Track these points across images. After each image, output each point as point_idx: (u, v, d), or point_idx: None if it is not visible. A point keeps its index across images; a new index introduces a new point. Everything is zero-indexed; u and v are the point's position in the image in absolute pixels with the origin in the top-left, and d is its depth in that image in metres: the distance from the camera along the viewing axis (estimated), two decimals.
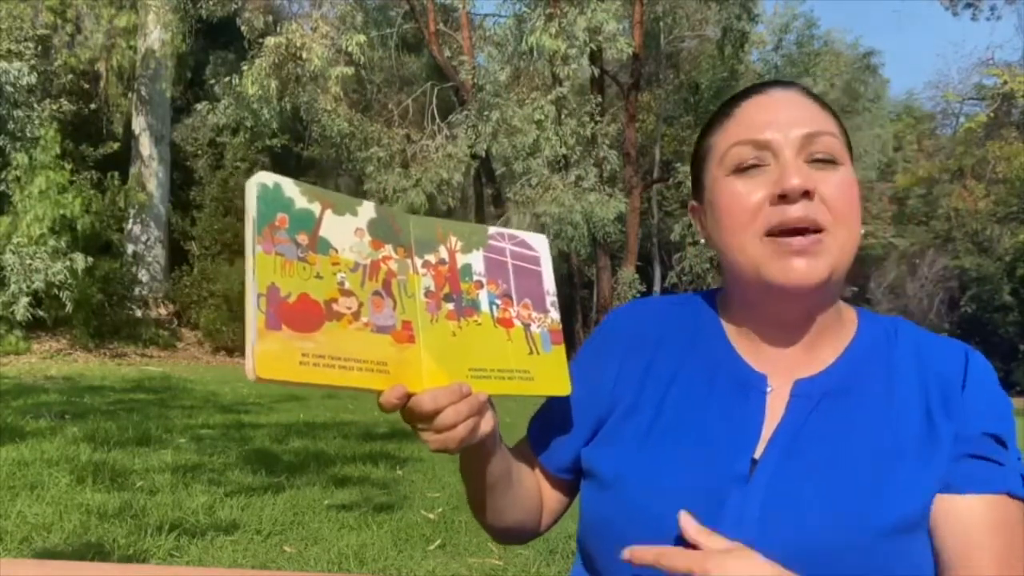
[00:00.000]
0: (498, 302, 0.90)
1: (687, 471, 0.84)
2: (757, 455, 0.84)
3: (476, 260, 0.91)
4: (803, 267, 0.81)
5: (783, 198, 0.82)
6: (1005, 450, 0.83)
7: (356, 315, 0.78)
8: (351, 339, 0.77)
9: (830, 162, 0.84)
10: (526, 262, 0.95)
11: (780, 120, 0.85)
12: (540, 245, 0.97)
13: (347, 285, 0.79)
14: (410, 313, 0.83)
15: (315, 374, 0.74)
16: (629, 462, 0.88)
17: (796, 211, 0.81)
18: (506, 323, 0.90)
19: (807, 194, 0.81)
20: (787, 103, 0.87)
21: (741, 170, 0.86)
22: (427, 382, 0.81)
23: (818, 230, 0.82)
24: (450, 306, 0.86)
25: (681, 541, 0.80)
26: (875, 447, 0.82)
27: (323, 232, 0.79)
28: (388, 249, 0.84)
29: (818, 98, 0.90)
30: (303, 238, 0.77)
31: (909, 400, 0.85)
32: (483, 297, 0.89)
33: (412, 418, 0.81)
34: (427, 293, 0.85)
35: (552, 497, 1.01)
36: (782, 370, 0.88)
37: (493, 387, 0.85)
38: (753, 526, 0.80)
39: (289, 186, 0.79)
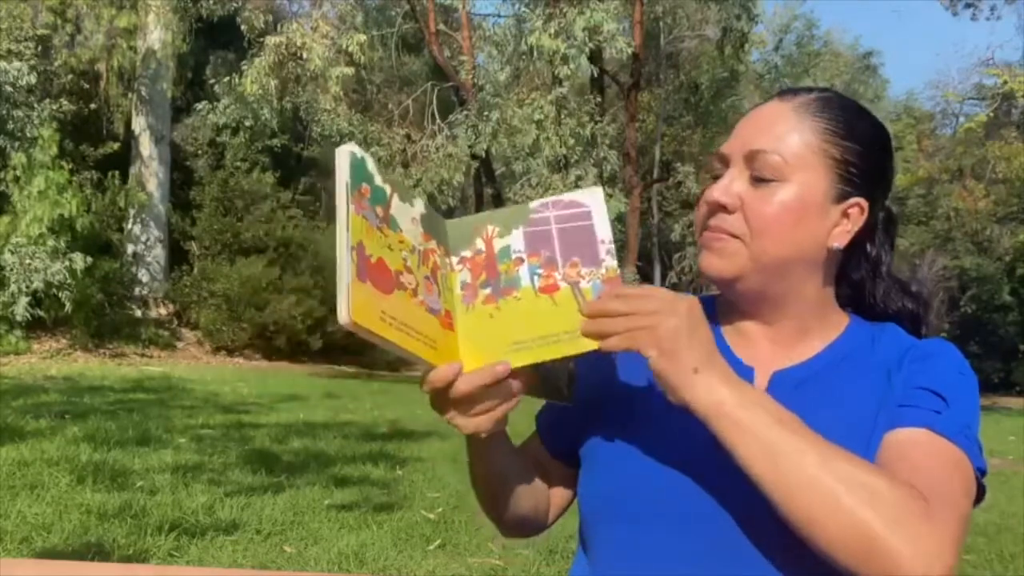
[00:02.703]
0: (540, 271, 0.89)
1: (667, 446, 0.89)
2: None
3: (516, 239, 0.91)
4: (707, 260, 0.92)
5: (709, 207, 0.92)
6: (944, 403, 0.84)
7: (415, 292, 0.83)
8: (413, 311, 0.82)
9: (767, 181, 0.89)
10: (575, 221, 0.93)
11: (743, 134, 0.92)
12: (592, 199, 0.94)
13: (408, 263, 0.84)
14: (449, 305, 0.87)
15: (391, 331, 0.78)
16: (616, 442, 0.94)
17: (712, 221, 0.91)
18: (550, 289, 0.89)
19: (724, 208, 0.90)
20: (767, 117, 0.92)
21: (713, 177, 0.94)
22: (465, 366, 0.83)
23: (729, 233, 0.90)
24: (487, 291, 0.88)
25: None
26: (842, 428, 0.84)
27: (392, 211, 0.85)
28: (433, 243, 0.89)
29: (824, 110, 0.91)
30: (380, 211, 0.83)
31: (878, 387, 0.89)
32: (523, 272, 0.89)
33: (444, 403, 0.83)
34: (463, 286, 0.89)
35: (558, 490, 1.06)
36: (766, 365, 0.93)
37: (536, 355, 0.85)
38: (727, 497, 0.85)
39: (371, 162, 0.85)
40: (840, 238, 0.91)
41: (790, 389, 0.90)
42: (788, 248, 0.89)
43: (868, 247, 0.97)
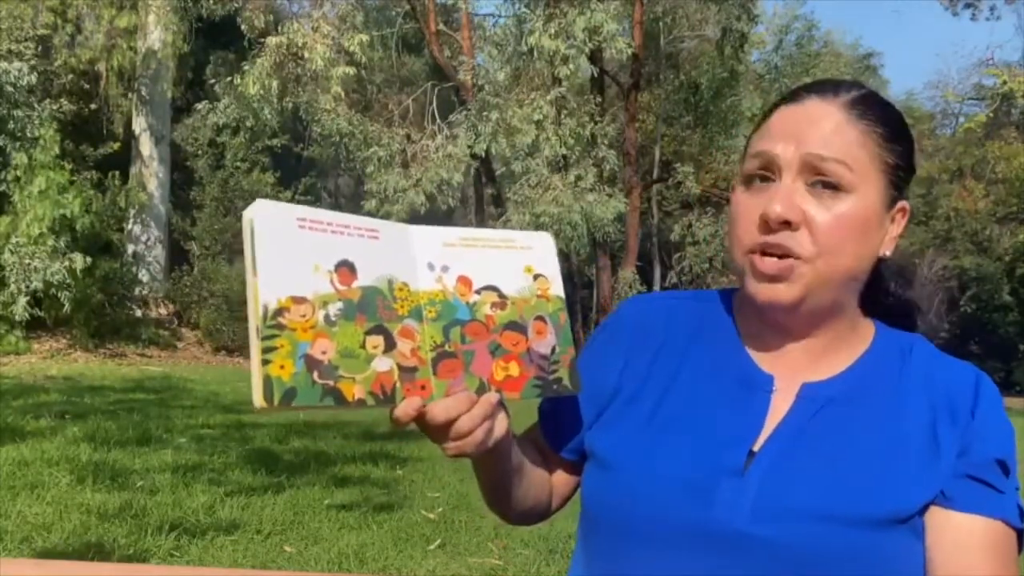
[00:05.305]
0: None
1: (682, 458, 0.85)
2: (756, 449, 0.85)
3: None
4: (770, 290, 0.84)
5: (766, 222, 0.83)
6: (1006, 478, 0.84)
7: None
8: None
9: (833, 188, 0.82)
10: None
11: (794, 136, 0.84)
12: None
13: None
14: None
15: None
16: (627, 446, 0.89)
17: (772, 238, 0.83)
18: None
19: (788, 223, 0.82)
20: (813, 117, 0.84)
21: (750, 182, 0.87)
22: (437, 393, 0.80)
23: (794, 256, 0.82)
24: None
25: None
26: (874, 450, 0.83)
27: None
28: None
29: (868, 111, 0.85)
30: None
31: (914, 412, 0.86)
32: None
33: (427, 429, 0.81)
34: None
35: (561, 480, 1.03)
36: (790, 373, 0.89)
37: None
38: (744, 517, 0.81)
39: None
40: (889, 245, 0.87)
41: (819, 406, 0.87)
42: (854, 263, 0.84)
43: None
